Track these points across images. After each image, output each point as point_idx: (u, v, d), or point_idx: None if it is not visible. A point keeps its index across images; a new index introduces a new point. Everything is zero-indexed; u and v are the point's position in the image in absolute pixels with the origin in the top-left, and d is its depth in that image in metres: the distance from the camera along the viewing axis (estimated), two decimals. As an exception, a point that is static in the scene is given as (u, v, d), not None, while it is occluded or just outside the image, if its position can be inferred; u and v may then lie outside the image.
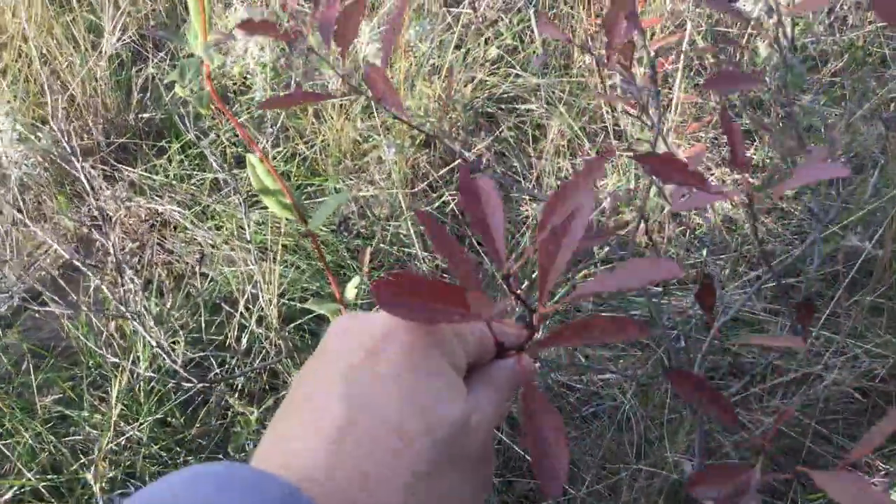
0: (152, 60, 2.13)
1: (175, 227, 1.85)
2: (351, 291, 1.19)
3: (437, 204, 1.84)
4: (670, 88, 1.91)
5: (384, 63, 0.75)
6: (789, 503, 1.17)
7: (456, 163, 1.91)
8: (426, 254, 1.73)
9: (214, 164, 1.58)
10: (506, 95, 2.08)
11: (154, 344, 1.19)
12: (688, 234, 1.72)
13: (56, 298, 1.47)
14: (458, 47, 2.09)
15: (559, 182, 1.92)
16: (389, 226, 1.79)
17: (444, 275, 1.75)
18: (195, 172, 1.93)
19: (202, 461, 1.34)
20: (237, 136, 1.99)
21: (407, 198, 1.82)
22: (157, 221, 1.88)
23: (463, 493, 0.38)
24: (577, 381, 1.42)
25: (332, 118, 1.95)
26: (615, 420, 1.31)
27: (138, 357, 1.40)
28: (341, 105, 1.98)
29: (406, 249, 1.77)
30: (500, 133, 2.02)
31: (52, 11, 2.11)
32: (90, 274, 1.20)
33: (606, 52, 0.91)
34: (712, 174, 1.87)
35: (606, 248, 1.33)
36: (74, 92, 2.01)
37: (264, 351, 1.48)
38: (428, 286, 0.38)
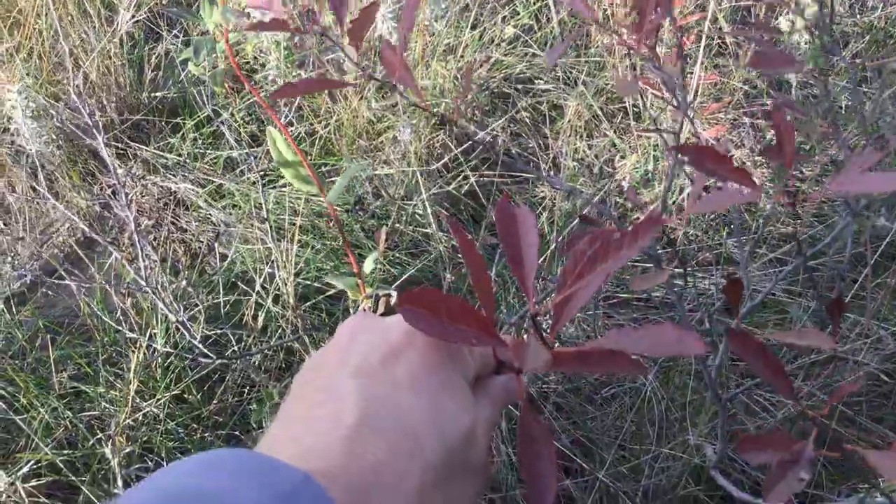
0: (166, 38, 2.11)
1: (189, 206, 1.84)
2: (369, 266, 1.18)
3: (452, 185, 1.82)
4: (691, 69, 1.89)
5: (402, 45, 0.73)
6: (812, 487, 1.16)
7: (461, 146, 1.89)
8: (442, 234, 1.72)
9: (231, 141, 1.57)
10: (522, 75, 2.06)
11: (174, 319, 1.18)
12: (707, 216, 1.70)
13: (73, 269, 1.46)
14: (473, 27, 2.07)
15: (575, 163, 1.91)
16: (406, 206, 1.78)
17: (459, 255, 1.74)
18: (208, 151, 1.92)
19: (219, 438, 1.34)
20: (251, 114, 1.98)
21: (423, 177, 1.80)
22: (170, 200, 1.86)
23: (465, 499, 0.40)
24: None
25: (346, 98, 1.93)
26: (635, 401, 1.30)
27: (154, 334, 1.40)
28: (356, 86, 1.96)
29: (422, 229, 1.76)
30: (516, 113, 2.00)
31: (65, -12, 2.09)
32: (108, 246, 1.19)
33: (636, 36, 0.89)
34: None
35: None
36: (88, 70, 1.99)
37: (280, 329, 1.47)
38: (451, 306, 0.39)
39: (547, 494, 0.39)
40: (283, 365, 1.45)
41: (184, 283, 1.44)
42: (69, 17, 2.06)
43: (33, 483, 1.24)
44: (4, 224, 1.82)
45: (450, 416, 0.39)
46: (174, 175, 1.88)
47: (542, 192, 1.87)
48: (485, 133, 1.94)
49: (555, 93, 2.01)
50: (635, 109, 1.95)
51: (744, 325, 0.74)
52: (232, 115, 1.96)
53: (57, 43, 2.02)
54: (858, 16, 2.11)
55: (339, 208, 1.80)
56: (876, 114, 1.59)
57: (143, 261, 1.17)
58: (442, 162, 1.85)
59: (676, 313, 1.35)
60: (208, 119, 1.94)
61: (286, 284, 1.48)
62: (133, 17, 2.03)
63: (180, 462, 0.33)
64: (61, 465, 1.26)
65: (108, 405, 1.34)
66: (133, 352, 1.31)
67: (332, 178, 1.90)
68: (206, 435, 1.33)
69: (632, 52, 0.87)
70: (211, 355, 1.24)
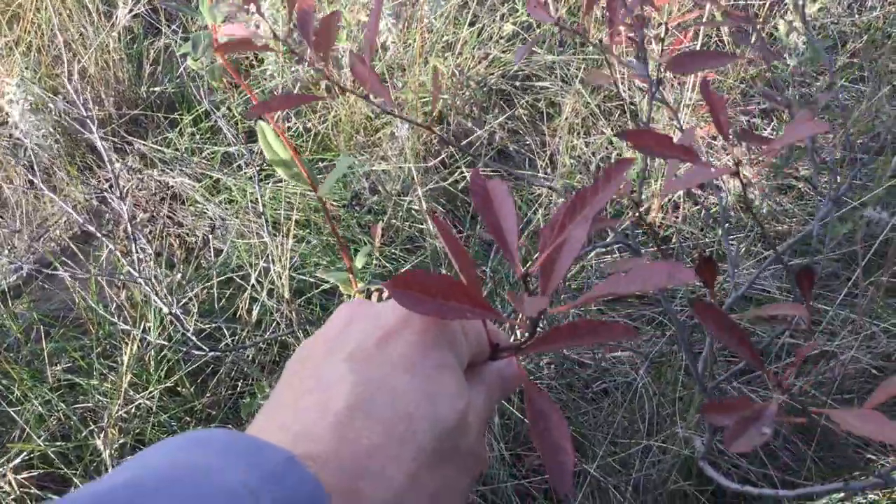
0: (165, 33, 2.12)
1: (185, 201, 1.85)
2: (360, 261, 1.18)
3: (449, 181, 1.83)
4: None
5: (369, 56, 0.73)
6: (802, 479, 1.16)
7: (457, 144, 1.89)
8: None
9: (229, 135, 1.57)
10: (520, 73, 2.06)
11: (166, 310, 1.19)
12: (703, 213, 1.70)
13: (69, 262, 1.46)
14: (472, 24, 2.07)
15: (572, 161, 1.91)
16: (402, 201, 1.78)
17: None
18: (206, 146, 1.92)
19: (211, 431, 1.34)
20: (248, 109, 1.98)
21: (420, 173, 1.81)
22: (166, 195, 1.87)
23: (456, 486, 0.39)
24: (590, 358, 1.41)
25: (344, 94, 1.93)
26: (627, 396, 1.30)
27: (148, 327, 1.40)
28: (354, 81, 1.96)
29: (418, 225, 1.76)
30: (513, 111, 2.00)
31: (64, -18, 2.10)
32: (103, 239, 1.20)
33: (610, 29, 0.90)
34: (728, 154, 1.85)
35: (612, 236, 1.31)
36: (86, 64, 2.00)
37: (275, 323, 1.47)
38: (440, 283, 0.39)
39: (566, 463, 0.38)
40: (277, 359, 1.45)
41: (178, 276, 1.44)
42: (67, 12, 2.06)
43: (25, 474, 1.24)
44: (1, 217, 1.82)
45: (443, 399, 0.38)
46: (171, 169, 1.88)
47: (540, 189, 1.87)
48: (480, 133, 1.94)
49: (553, 90, 2.01)
50: (632, 107, 1.95)
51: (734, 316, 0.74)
52: (230, 110, 1.96)
53: (56, 37, 2.03)
54: (857, 15, 2.11)
55: (335, 204, 1.80)
56: (871, 112, 1.59)
57: (137, 253, 1.17)
58: (439, 158, 1.85)
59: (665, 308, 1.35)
60: (206, 114, 1.95)
61: (281, 278, 1.49)
62: (131, 10, 2.04)
63: (170, 439, 0.33)
64: (53, 457, 1.26)
65: (101, 397, 1.34)
66: (126, 344, 1.31)
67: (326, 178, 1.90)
68: (199, 427, 1.33)
69: (612, 42, 0.88)
70: (204, 348, 1.25)
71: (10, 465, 1.23)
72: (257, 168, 1.73)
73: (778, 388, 0.54)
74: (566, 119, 1.92)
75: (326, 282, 1.56)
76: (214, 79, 2.02)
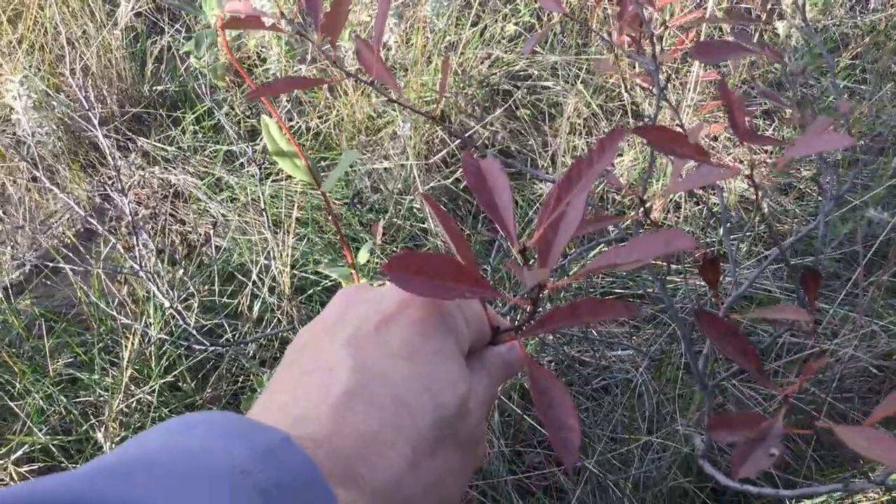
0: (167, 32, 2.12)
1: (188, 199, 1.85)
2: (363, 256, 1.19)
3: (451, 180, 1.83)
4: (690, 67, 1.90)
5: (377, 43, 0.72)
6: (801, 477, 1.16)
7: (455, 142, 1.90)
8: (440, 229, 1.72)
9: (231, 133, 1.57)
10: (522, 73, 2.07)
11: (168, 305, 1.19)
12: (704, 212, 1.70)
13: (72, 256, 1.47)
14: (474, 24, 2.08)
15: (574, 161, 1.91)
16: (403, 200, 1.78)
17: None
18: (208, 144, 1.92)
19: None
20: (251, 108, 1.99)
21: (421, 172, 1.81)
22: (168, 193, 1.87)
23: (455, 473, 0.38)
24: (590, 356, 1.41)
25: (346, 94, 1.94)
26: (627, 394, 1.30)
27: (150, 322, 1.40)
28: (356, 81, 1.97)
29: (419, 224, 1.76)
30: (515, 110, 2.00)
31: (68, -20, 2.11)
32: (105, 233, 1.20)
33: (617, 22, 0.90)
34: (730, 154, 1.85)
35: (615, 231, 1.32)
36: (89, 62, 2.00)
37: (276, 319, 1.48)
38: (439, 263, 0.38)
39: (571, 440, 0.38)
40: (278, 355, 1.45)
41: (181, 272, 1.44)
42: (70, 10, 2.07)
43: (26, 468, 1.24)
44: (4, 213, 1.83)
45: (443, 384, 0.38)
46: (174, 167, 1.89)
47: (541, 188, 1.87)
48: (475, 130, 1.94)
49: (555, 90, 2.01)
50: (634, 107, 1.95)
51: (735, 316, 0.74)
52: (232, 108, 1.97)
53: (59, 35, 2.03)
54: (859, 17, 2.11)
55: (337, 202, 1.81)
56: (872, 113, 1.59)
57: (139, 247, 1.17)
58: (440, 156, 1.85)
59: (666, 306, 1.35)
60: (208, 112, 1.95)
61: (282, 275, 1.49)
62: (133, 9, 2.04)
63: (163, 423, 0.33)
64: (54, 450, 1.26)
65: (102, 392, 1.34)
66: (128, 339, 1.31)
67: (330, 173, 1.90)
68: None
69: (615, 48, 0.88)
70: (205, 342, 1.25)
71: (12, 457, 1.23)
72: (260, 166, 1.73)
73: (784, 401, 0.54)
74: (568, 119, 1.92)
75: (327, 279, 1.57)
76: (217, 77, 2.03)
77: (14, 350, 1.44)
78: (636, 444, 1.21)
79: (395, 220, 1.77)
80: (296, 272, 1.58)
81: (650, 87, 1.11)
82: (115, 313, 1.39)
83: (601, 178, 1.83)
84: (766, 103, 1.87)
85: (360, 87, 1.96)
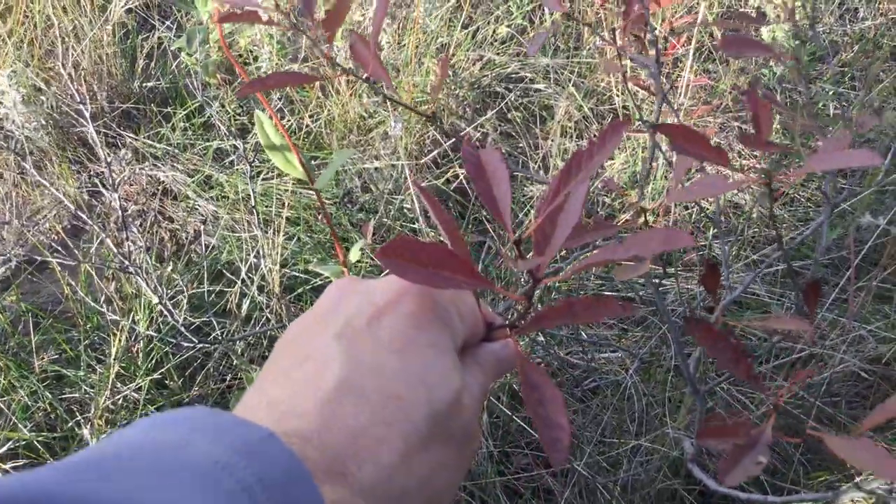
0: (158, 28, 2.11)
1: (177, 196, 1.84)
2: (355, 254, 1.18)
3: (442, 180, 1.83)
4: (682, 71, 1.90)
5: (374, 37, 0.71)
6: (789, 482, 1.17)
7: (448, 142, 1.90)
8: (430, 229, 1.72)
9: (222, 129, 1.57)
10: (514, 75, 2.07)
11: (156, 300, 1.18)
12: (694, 216, 1.71)
13: (60, 252, 1.45)
14: (466, 26, 2.08)
15: (564, 163, 1.91)
16: (394, 200, 1.78)
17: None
18: (199, 141, 1.92)
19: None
20: (242, 106, 1.98)
21: (413, 172, 1.81)
22: (157, 190, 1.86)
23: (446, 470, 0.38)
24: (580, 358, 1.41)
25: (338, 93, 1.93)
26: (616, 396, 1.31)
27: (137, 319, 1.39)
28: (348, 81, 1.96)
29: (410, 224, 1.76)
30: (507, 113, 2.00)
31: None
32: (94, 227, 1.19)
33: (623, 21, 0.90)
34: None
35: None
36: (79, 57, 1.99)
37: (265, 318, 1.47)
38: (434, 251, 0.38)
39: (561, 439, 0.37)
40: (266, 353, 1.44)
41: (169, 269, 1.43)
42: (62, 5, 2.05)
43: (10, 464, 1.23)
44: (-10, 208, 1.81)
45: (436, 379, 0.37)
46: (163, 164, 1.88)
47: (532, 190, 1.87)
48: (466, 131, 1.95)
49: (546, 93, 2.02)
50: (625, 111, 1.96)
51: (730, 321, 0.74)
52: (223, 106, 1.96)
53: (49, 30, 2.02)
54: (849, 25, 2.13)
55: (328, 202, 1.80)
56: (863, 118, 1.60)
57: (128, 241, 1.16)
58: (431, 156, 1.85)
59: (658, 309, 1.35)
60: (199, 109, 1.94)
61: (271, 273, 1.48)
62: (125, 5, 2.03)
63: (146, 418, 0.32)
64: (39, 447, 1.25)
65: (88, 389, 1.33)
66: (115, 335, 1.30)
67: (323, 172, 1.90)
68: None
69: (617, 48, 0.88)
70: (193, 339, 1.24)
71: (-5, 454, 1.22)
72: (250, 162, 1.72)
73: (774, 409, 0.54)
74: (559, 122, 1.92)
75: (317, 278, 1.56)
76: (208, 74, 2.02)
77: (-1, 346, 1.43)
78: (626, 446, 1.21)
79: (385, 220, 1.77)
80: (286, 271, 1.57)
81: (644, 90, 1.11)
82: (102, 309, 1.38)
83: (595, 179, 1.84)
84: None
85: (351, 87, 1.95)
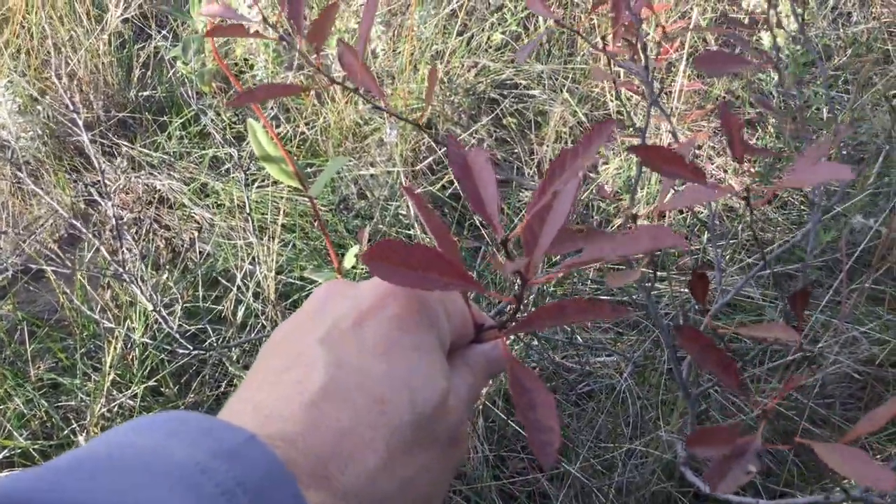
0: (154, 38, 2.12)
1: (173, 205, 1.84)
2: (350, 260, 1.19)
3: (437, 186, 1.83)
4: (675, 76, 1.91)
5: (361, 46, 0.71)
6: (783, 484, 1.17)
7: (442, 150, 1.90)
8: (425, 235, 1.72)
9: (218, 137, 1.57)
10: (509, 81, 2.08)
11: (151, 308, 1.18)
12: (688, 220, 1.71)
13: (55, 262, 1.46)
14: (461, 34, 2.09)
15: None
16: (390, 206, 1.78)
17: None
18: (194, 150, 1.92)
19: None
20: (237, 114, 1.98)
21: (408, 178, 1.81)
22: (153, 198, 1.87)
23: (431, 474, 0.37)
24: (574, 361, 1.41)
25: (334, 100, 1.94)
26: (611, 400, 1.31)
27: (133, 327, 1.39)
28: (343, 88, 1.97)
29: (405, 231, 1.76)
30: (502, 119, 2.01)
31: (55, -15, 2.10)
32: (90, 236, 1.19)
33: (613, 28, 0.91)
34: (714, 163, 1.87)
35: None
36: (76, 67, 2.00)
37: (260, 325, 1.47)
38: (421, 254, 0.37)
39: (552, 441, 0.37)
40: (262, 360, 1.45)
41: (165, 276, 1.44)
42: (58, 15, 2.06)
43: (5, 472, 1.23)
44: (-13, 218, 1.82)
45: (423, 379, 0.37)
46: (159, 173, 1.88)
47: (527, 196, 1.88)
48: (468, 135, 1.95)
49: (541, 99, 2.02)
50: (619, 116, 1.96)
51: (720, 325, 0.74)
52: (218, 114, 1.97)
53: (46, 40, 2.03)
54: (842, 29, 2.14)
55: (323, 208, 1.81)
56: (851, 126, 1.61)
57: (123, 249, 1.17)
58: (426, 163, 1.86)
59: (650, 314, 1.36)
60: (195, 118, 1.95)
61: (267, 280, 1.49)
62: (122, 15, 2.04)
63: (129, 422, 0.32)
64: (35, 454, 1.25)
65: (84, 397, 1.33)
66: (110, 343, 1.31)
67: (317, 179, 1.90)
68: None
69: (608, 54, 0.89)
70: (188, 346, 1.24)
71: (-9, 462, 1.22)
72: (245, 170, 1.73)
73: (763, 417, 0.54)
74: (554, 128, 1.93)
75: (312, 284, 1.56)
76: (204, 83, 2.02)
77: (-5, 355, 1.43)
78: (620, 450, 1.21)
79: (380, 226, 1.77)
80: (281, 277, 1.57)
81: (638, 95, 1.12)
82: (97, 318, 1.38)
83: (588, 185, 1.84)
84: (749, 113, 1.89)
85: (347, 94, 1.96)
